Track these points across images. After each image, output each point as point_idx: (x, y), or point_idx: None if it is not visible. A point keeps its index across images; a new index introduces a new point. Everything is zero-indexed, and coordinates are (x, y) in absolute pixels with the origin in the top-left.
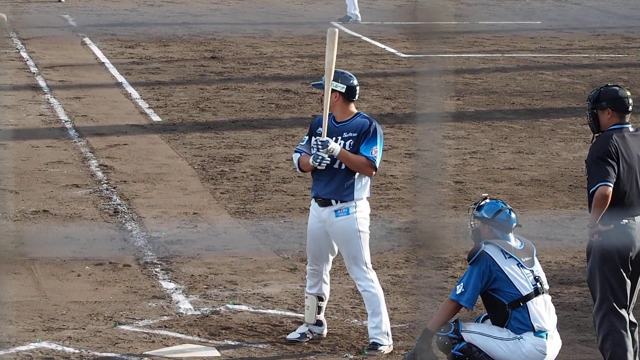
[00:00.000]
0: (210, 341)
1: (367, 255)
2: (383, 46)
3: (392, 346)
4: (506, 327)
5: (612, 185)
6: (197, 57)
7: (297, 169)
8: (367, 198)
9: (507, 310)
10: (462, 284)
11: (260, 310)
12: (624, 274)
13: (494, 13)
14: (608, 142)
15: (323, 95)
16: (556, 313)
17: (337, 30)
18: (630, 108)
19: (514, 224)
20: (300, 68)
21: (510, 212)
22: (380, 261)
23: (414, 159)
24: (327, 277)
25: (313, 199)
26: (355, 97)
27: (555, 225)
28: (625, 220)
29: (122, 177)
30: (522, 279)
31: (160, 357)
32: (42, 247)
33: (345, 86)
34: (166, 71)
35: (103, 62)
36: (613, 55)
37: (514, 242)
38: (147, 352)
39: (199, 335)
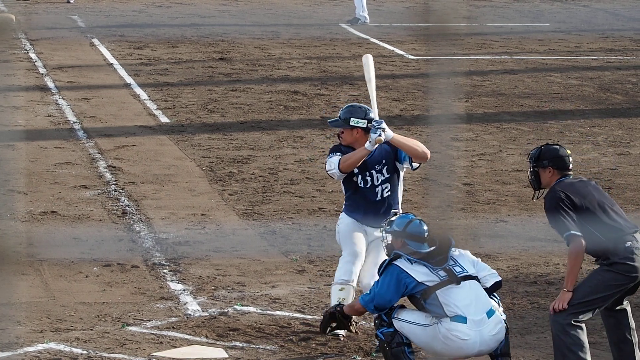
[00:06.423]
0: (218, 342)
1: None
2: (392, 48)
3: None
4: (430, 316)
5: (579, 232)
6: (205, 58)
7: (336, 171)
8: None
9: (421, 302)
10: (369, 291)
11: (268, 311)
12: (608, 300)
13: (502, 15)
14: (555, 193)
15: (342, 132)
16: None
17: (370, 56)
18: (571, 166)
19: (425, 234)
20: (309, 70)
21: (420, 222)
22: None
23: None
24: None
25: (354, 219)
26: None
27: None
28: (628, 243)
29: (130, 178)
30: (429, 276)
31: (168, 359)
32: (51, 248)
33: (365, 121)
34: (174, 72)
35: (111, 63)
36: (622, 58)
37: (427, 248)
38: (155, 354)
39: (206, 337)
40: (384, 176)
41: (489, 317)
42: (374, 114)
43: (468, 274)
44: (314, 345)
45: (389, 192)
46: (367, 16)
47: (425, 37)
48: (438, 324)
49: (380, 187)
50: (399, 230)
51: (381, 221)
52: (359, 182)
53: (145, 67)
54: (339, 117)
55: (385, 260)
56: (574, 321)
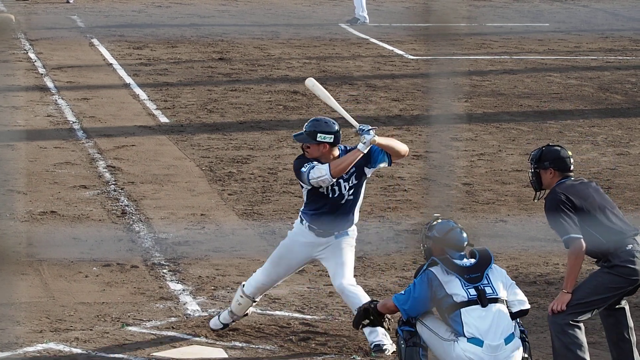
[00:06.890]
0: (218, 342)
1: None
2: (391, 48)
3: (394, 344)
4: (450, 330)
5: (580, 234)
6: (205, 58)
7: (328, 177)
8: None
9: (444, 314)
10: (404, 292)
11: (267, 311)
12: (607, 302)
13: (502, 15)
14: (556, 195)
15: (308, 147)
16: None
17: (312, 78)
18: (572, 167)
19: (465, 243)
20: (308, 70)
21: (461, 232)
22: (387, 263)
23: (422, 161)
24: None
25: (309, 229)
26: (340, 141)
27: None
28: (629, 246)
29: (129, 178)
30: (459, 291)
31: (168, 359)
32: (50, 248)
33: (332, 135)
34: (174, 72)
35: (111, 63)
36: (621, 58)
37: (464, 260)
38: (154, 354)
39: (206, 337)
40: (351, 183)
41: (506, 344)
42: (351, 122)
43: (498, 296)
44: (313, 345)
45: (352, 198)
46: (367, 16)
47: (425, 37)
48: (455, 342)
49: (346, 195)
50: (439, 237)
51: (339, 227)
52: (327, 192)
53: (144, 67)
54: (305, 130)
55: (423, 265)
56: (572, 321)
